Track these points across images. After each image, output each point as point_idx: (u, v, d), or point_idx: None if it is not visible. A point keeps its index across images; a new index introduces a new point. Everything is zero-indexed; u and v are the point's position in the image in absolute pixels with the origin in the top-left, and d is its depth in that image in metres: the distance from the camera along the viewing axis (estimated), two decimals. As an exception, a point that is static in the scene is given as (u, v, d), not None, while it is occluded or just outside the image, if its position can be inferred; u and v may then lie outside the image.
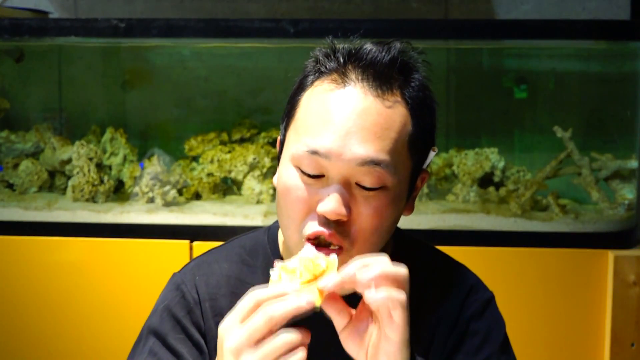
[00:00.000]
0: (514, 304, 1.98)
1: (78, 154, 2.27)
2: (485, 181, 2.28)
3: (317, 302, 0.85)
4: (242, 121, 2.44)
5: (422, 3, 2.50)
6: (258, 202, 2.24)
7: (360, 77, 0.97)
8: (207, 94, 2.57)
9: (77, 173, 2.27)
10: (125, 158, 2.40)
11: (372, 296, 0.84)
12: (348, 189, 0.95)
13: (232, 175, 2.32)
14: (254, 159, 2.28)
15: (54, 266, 2.10)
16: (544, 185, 2.17)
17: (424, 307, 1.07)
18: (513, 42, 2.25)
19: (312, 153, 0.95)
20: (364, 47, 0.99)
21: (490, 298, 1.10)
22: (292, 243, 1.00)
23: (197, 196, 2.32)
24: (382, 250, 1.08)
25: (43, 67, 2.62)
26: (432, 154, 1.04)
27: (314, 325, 0.87)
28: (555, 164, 2.17)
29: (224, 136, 2.41)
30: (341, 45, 1.01)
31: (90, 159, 2.26)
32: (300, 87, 1.02)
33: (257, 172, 2.28)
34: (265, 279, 1.09)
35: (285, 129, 1.03)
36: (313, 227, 0.96)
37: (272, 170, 2.25)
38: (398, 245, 1.11)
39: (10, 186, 2.39)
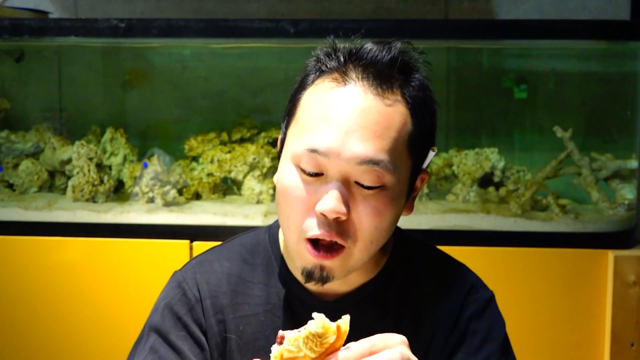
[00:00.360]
0: (514, 304, 1.98)
1: (78, 154, 2.27)
2: (485, 181, 2.28)
3: None
4: (242, 121, 2.44)
5: (422, 3, 2.50)
6: (258, 202, 2.24)
7: (360, 76, 0.97)
8: (207, 94, 2.57)
9: (77, 173, 2.27)
10: (125, 158, 2.40)
11: None
12: (347, 187, 0.95)
13: (232, 175, 2.32)
14: (254, 159, 2.28)
15: (54, 266, 2.10)
16: (544, 185, 2.17)
17: (423, 306, 1.08)
18: (513, 42, 2.25)
19: (312, 151, 0.95)
20: (365, 46, 1.00)
21: (491, 297, 1.10)
22: (291, 242, 1.00)
23: (197, 196, 2.32)
24: (383, 249, 1.08)
25: (43, 67, 2.62)
26: (431, 154, 1.04)
27: None
28: (555, 164, 2.17)
29: (224, 136, 2.41)
30: (342, 45, 1.01)
31: (90, 159, 2.26)
32: (301, 86, 1.02)
33: (257, 172, 2.28)
34: (265, 277, 1.10)
35: (286, 128, 1.03)
36: (312, 229, 0.96)
37: (272, 170, 2.25)
38: (398, 244, 1.12)
39: (10, 186, 2.39)
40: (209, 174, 2.33)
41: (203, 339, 1.06)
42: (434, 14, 2.50)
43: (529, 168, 2.28)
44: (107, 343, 2.09)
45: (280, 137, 1.06)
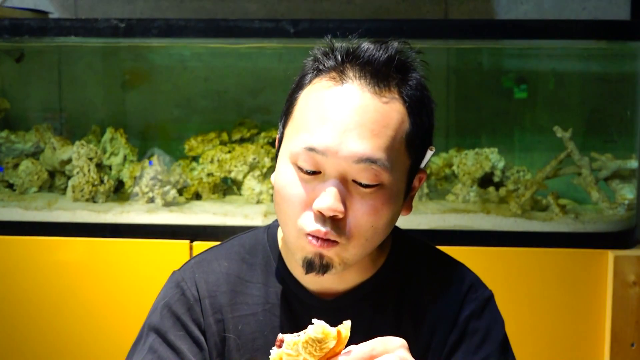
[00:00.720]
0: (514, 304, 1.98)
1: (78, 154, 2.27)
2: (485, 181, 2.28)
3: None
4: (242, 121, 2.44)
5: (422, 3, 2.50)
6: (258, 202, 2.25)
7: (357, 75, 0.97)
8: (207, 94, 2.57)
9: (77, 173, 2.27)
10: (125, 158, 2.40)
11: None
12: (345, 185, 0.95)
13: (232, 175, 2.32)
14: (254, 159, 2.28)
15: (54, 266, 2.10)
16: (544, 185, 2.17)
17: (422, 306, 1.08)
18: (513, 42, 2.25)
19: (309, 150, 0.95)
20: (362, 45, 1.00)
21: (490, 296, 1.10)
22: (290, 239, 1.00)
23: (197, 196, 2.32)
24: (381, 248, 1.09)
25: (43, 67, 2.62)
26: (429, 153, 1.04)
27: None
28: (555, 164, 2.17)
29: (224, 136, 2.41)
30: (339, 44, 1.01)
31: (90, 159, 2.26)
32: (299, 86, 1.02)
33: (257, 172, 2.28)
34: (263, 276, 1.10)
35: (284, 127, 1.03)
36: (309, 224, 0.96)
37: (272, 170, 2.24)
38: (396, 243, 1.12)
39: (10, 186, 2.39)
40: (209, 174, 2.33)
41: (202, 338, 1.06)
42: (434, 14, 2.50)
43: (529, 168, 2.28)
44: (107, 343, 2.09)
45: (277, 136, 1.07)
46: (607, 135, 2.33)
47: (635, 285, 1.96)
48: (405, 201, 1.04)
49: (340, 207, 0.94)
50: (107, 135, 2.41)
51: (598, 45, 2.23)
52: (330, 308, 1.05)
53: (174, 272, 1.13)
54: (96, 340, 2.10)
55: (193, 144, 2.40)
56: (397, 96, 0.98)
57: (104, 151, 2.39)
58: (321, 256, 0.97)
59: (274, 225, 1.14)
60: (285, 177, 0.98)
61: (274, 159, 1.08)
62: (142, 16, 2.57)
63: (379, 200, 0.96)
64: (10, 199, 2.28)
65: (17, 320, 2.13)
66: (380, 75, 0.97)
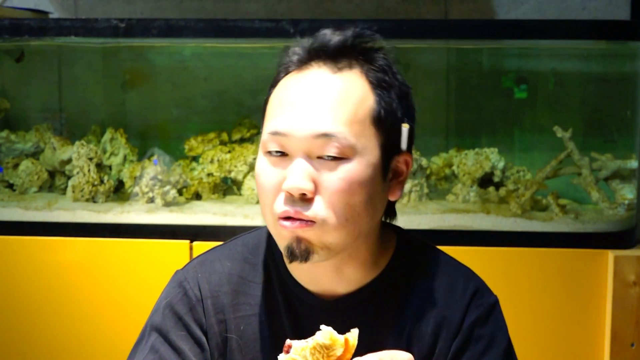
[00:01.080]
0: (513, 304, 1.98)
1: (78, 154, 2.27)
2: (485, 181, 2.28)
3: None
4: (242, 121, 2.44)
5: (422, 3, 2.50)
6: (258, 202, 2.24)
7: (317, 60, 1.00)
8: (207, 94, 2.57)
9: (77, 173, 2.27)
10: (125, 158, 2.40)
11: None
12: (310, 163, 0.96)
13: (232, 175, 2.32)
14: (254, 159, 2.28)
15: (54, 266, 2.10)
16: (544, 185, 2.17)
17: (426, 311, 1.07)
18: (513, 42, 2.25)
19: (274, 134, 0.97)
20: (321, 32, 1.03)
21: (495, 302, 1.09)
22: (270, 229, 1.01)
23: (197, 196, 2.32)
24: (384, 250, 1.08)
25: (43, 67, 2.62)
26: (404, 130, 1.03)
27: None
28: (555, 164, 2.17)
29: (224, 136, 2.41)
30: (305, 40, 1.04)
31: (90, 159, 2.26)
32: (272, 86, 1.05)
33: (257, 172, 2.28)
34: (266, 277, 1.10)
35: (262, 128, 1.05)
36: (280, 206, 0.97)
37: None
38: (400, 245, 1.10)
39: (10, 186, 2.39)
40: (209, 174, 2.33)
41: (203, 339, 1.06)
42: (434, 14, 2.50)
43: (529, 168, 2.28)
44: (107, 343, 2.09)
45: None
46: (607, 135, 2.33)
47: (635, 285, 1.96)
48: (389, 184, 1.03)
49: (307, 185, 0.95)
50: (107, 135, 2.41)
51: (598, 45, 2.23)
52: (332, 309, 1.04)
53: (177, 271, 1.13)
54: (96, 340, 2.10)
55: (193, 144, 2.40)
56: (359, 75, 1.00)
57: (104, 151, 2.39)
58: (299, 240, 0.97)
59: None
60: (258, 166, 1.01)
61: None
62: (142, 16, 2.57)
63: (348, 174, 0.96)
64: (10, 199, 2.28)
65: (17, 320, 2.13)
66: (338, 54, 1.00)
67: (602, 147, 2.24)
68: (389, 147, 1.01)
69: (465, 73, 2.52)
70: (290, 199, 0.96)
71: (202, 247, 2.03)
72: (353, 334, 0.85)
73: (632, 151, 2.20)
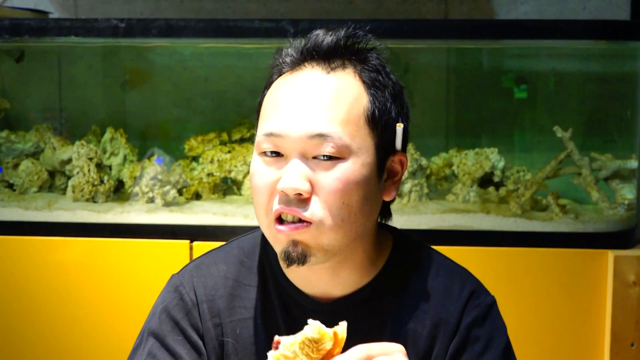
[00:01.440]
0: (513, 304, 1.98)
1: (78, 154, 2.27)
2: (485, 181, 2.28)
3: None
4: (242, 121, 2.44)
5: (422, 3, 2.50)
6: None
7: (309, 60, 1.01)
8: (207, 94, 2.57)
9: (77, 173, 2.27)
10: (125, 158, 2.40)
11: None
12: (307, 164, 0.96)
13: (232, 175, 2.32)
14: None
15: (54, 266, 2.10)
16: (544, 185, 2.17)
17: (423, 313, 1.06)
18: (513, 42, 2.25)
19: (268, 135, 0.97)
20: (313, 33, 1.03)
21: (492, 303, 1.08)
22: (265, 229, 1.01)
23: (197, 196, 2.32)
24: (380, 251, 1.08)
25: (43, 67, 2.62)
26: (399, 130, 1.03)
27: None
28: (555, 164, 2.17)
29: (224, 136, 2.41)
30: (297, 41, 1.04)
31: (90, 159, 2.26)
32: (265, 87, 1.05)
33: (257, 172, 2.27)
34: (262, 280, 1.09)
35: (256, 130, 1.05)
36: (276, 207, 0.97)
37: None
38: (397, 246, 1.10)
39: (10, 186, 2.39)
40: (209, 174, 2.33)
41: (200, 343, 1.06)
42: (434, 14, 2.50)
43: (529, 168, 2.28)
44: (107, 343, 2.09)
45: (254, 146, 1.08)
46: (607, 135, 2.33)
47: (635, 285, 1.96)
48: (384, 184, 1.03)
49: (303, 185, 0.95)
50: (107, 135, 2.41)
51: (598, 45, 2.23)
52: (329, 312, 1.04)
53: (173, 275, 1.13)
54: (96, 340, 2.10)
55: (193, 144, 2.40)
56: (353, 75, 1.00)
57: (104, 151, 2.39)
58: (295, 243, 0.97)
59: None
60: (253, 167, 1.01)
61: None
62: (142, 16, 2.57)
63: (344, 174, 0.96)
64: (10, 199, 2.28)
65: (17, 320, 2.13)
66: (331, 55, 1.00)
67: (602, 147, 2.24)
68: (383, 147, 1.01)
69: (465, 73, 2.52)
70: (286, 198, 0.96)
71: (202, 247, 2.04)
72: (342, 327, 0.85)
73: (632, 151, 2.20)
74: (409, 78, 2.40)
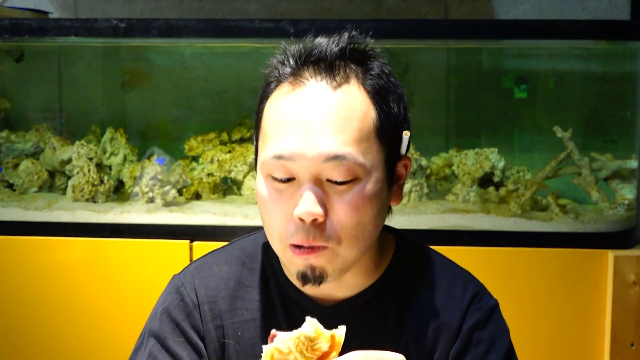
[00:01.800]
0: (513, 304, 1.98)
1: (78, 154, 2.27)
2: (485, 181, 2.28)
3: None
4: (242, 121, 2.44)
5: (422, 3, 2.50)
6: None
7: (313, 74, 0.97)
8: (207, 94, 2.57)
9: (77, 173, 2.27)
10: (125, 158, 2.40)
11: None
12: (320, 187, 0.94)
13: (232, 175, 2.32)
14: (255, 154, 2.28)
15: (54, 266, 2.10)
16: (544, 185, 2.17)
17: (425, 315, 1.06)
18: (513, 42, 2.25)
19: (278, 158, 0.94)
20: (314, 43, 0.99)
21: (494, 306, 1.08)
22: (278, 251, 1.00)
23: (197, 196, 2.32)
24: (383, 254, 1.07)
25: (43, 67, 2.62)
26: (405, 138, 1.02)
27: None
28: (555, 164, 2.17)
29: (224, 136, 2.41)
30: (294, 48, 1.00)
31: (90, 159, 2.26)
32: (263, 96, 1.01)
33: (257, 172, 2.28)
34: (263, 281, 1.09)
35: (256, 140, 1.03)
36: (292, 235, 0.95)
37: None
38: (399, 249, 1.10)
39: (10, 186, 2.39)
40: (209, 174, 2.33)
41: (201, 344, 1.06)
42: (434, 14, 2.50)
43: (529, 168, 2.28)
44: (107, 343, 2.09)
45: (254, 149, 1.06)
46: (607, 135, 2.33)
47: (635, 285, 1.96)
48: (391, 190, 1.02)
49: (319, 210, 0.93)
50: (107, 135, 2.41)
51: (598, 45, 2.23)
52: (331, 314, 1.03)
53: (174, 276, 1.13)
54: (96, 340, 2.10)
55: (193, 144, 2.40)
56: (357, 87, 0.97)
57: (104, 151, 2.39)
58: (312, 268, 0.96)
59: None
60: (262, 189, 0.98)
61: (254, 169, 1.07)
62: (142, 16, 2.57)
63: (358, 195, 0.95)
64: (10, 199, 2.28)
65: (17, 320, 2.13)
66: (335, 69, 0.97)
67: (602, 147, 2.24)
68: (391, 156, 1.00)
69: (465, 73, 2.52)
70: (302, 225, 0.94)
71: (202, 247, 2.04)
72: (340, 331, 0.84)
73: (632, 151, 2.20)
74: (409, 78, 2.40)
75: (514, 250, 2.02)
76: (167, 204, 2.21)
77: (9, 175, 2.39)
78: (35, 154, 2.42)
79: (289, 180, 0.95)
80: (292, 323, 1.05)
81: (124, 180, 2.35)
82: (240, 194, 2.34)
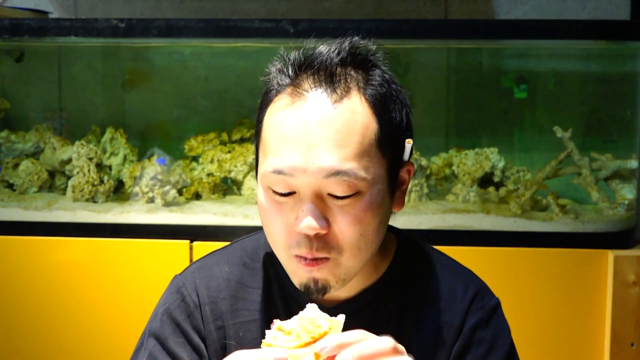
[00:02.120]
0: (514, 304, 1.97)
1: (78, 154, 2.27)
2: (485, 181, 2.28)
3: None
4: (242, 121, 2.44)
5: (422, 3, 2.50)
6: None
7: (313, 85, 0.94)
8: (207, 94, 2.57)
9: (77, 173, 2.27)
10: (125, 158, 2.40)
11: None
12: (322, 201, 0.93)
13: (232, 175, 2.32)
14: (254, 159, 2.28)
15: (54, 266, 2.10)
16: (544, 185, 2.17)
17: (427, 314, 1.06)
18: (513, 42, 2.25)
19: (278, 173, 0.93)
20: (315, 52, 0.97)
21: (496, 305, 1.08)
22: (282, 260, 0.99)
23: (197, 196, 2.32)
24: (383, 254, 1.07)
25: (43, 67, 2.62)
26: (408, 145, 1.00)
27: None
28: (555, 164, 2.17)
29: (224, 136, 2.41)
30: (293, 56, 0.98)
31: (90, 159, 2.26)
32: (263, 105, 0.99)
33: (257, 172, 2.28)
34: (265, 282, 1.09)
35: (257, 148, 1.01)
36: (295, 247, 0.94)
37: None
38: (400, 249, 1.10)
39: (10, 186, 2.39)
40: (209, 174, 2.33)
41: (202, 345, 1.06)
42: (434, 14, 2.50)
43: (529, 168, 2.28)
44: (107, 343, 2.09)
45: (254, 149, 1.05)
46: (607, 135, 2.33)
47: (635, 285, 1.96)
48: (394, 197, 1.01)
49: (321, 224, 0.92)
50: (107, 135, 2.41)
51: (598, 45, 2.23)
52: (333, 315, 1.03)
53: (176, 276, 1.12)
54: (96, 340, 2.10)
55: (193, 144, 2.40)
56: (359, 99, 0.94)
57: (104, 151, 2.39)
58: (315, 280, 0.96)
59: None
60: (263, 201, 0.97)
61: (255, 171, 1.06)
62: (142, 16, 2.57)
63: (360, 209, 0.94)
64: (10, 199, 2.28)
65: (17, 320, 2.13)
66: (336, 79, 0.94)
67: (602, 147, 2.24)
68: (394, 165, 0.99)
69: (465, 73, 2.52)
70: (305, 238, 0.93)
71: (202, 247, 2.03)
72: (338, 319, 0.85)
73: (632, 151, 2.20)
74: (409, 78, 2.40)
75: (514, 250, 2.02)
76: (167, 204, 2.21)
77: (9, 175, 2.39)
78: (35, 154, 2.42)
79: (290, 194, 0.94)
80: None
81: (124, 180, 2.35)
82: (240, 194, 2.34)
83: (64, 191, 2.35)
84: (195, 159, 2.43)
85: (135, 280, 2.07)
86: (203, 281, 1.09)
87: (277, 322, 0.86)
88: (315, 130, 0.92)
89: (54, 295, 2.11)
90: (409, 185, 2.22)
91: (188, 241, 2.06)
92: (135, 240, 2.09)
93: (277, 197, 0.95)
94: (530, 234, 2.07)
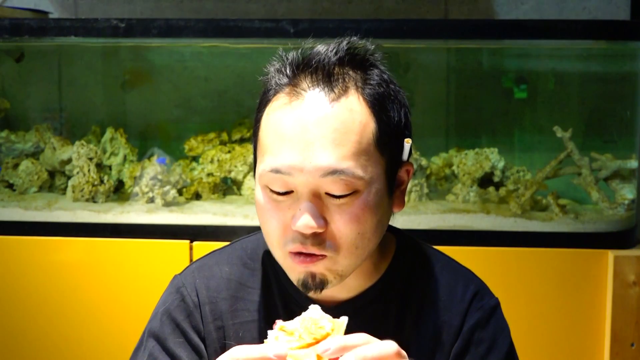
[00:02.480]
0: (513, 304, 1.98)
1: (78, 154, 2.27)
2: (485, 181, 2.28)
3: None
4: (242, 121, 2.44)
5: (422, 3, 2.50)
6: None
7: (311, 85, 0.94)
8: (207, 94, 2.57)
9: (77, 173, 2.27)
10: (125, 158, 2.40)
11: None
12: (319, 199, 0.93)
13: (232, 175, 2.32)
14: (253, 158, 2.28)
15: (54, 266, 2.10)
16: (544, 185, 2.17)
17: (426, 314, 1.06)
18: (513, 42, 2.25)
19: (275, 172, 0.93)
20: (312, 52, 0.97)
21: (496, 305, 1.08)
22: (278, 258, 0.99)
23: (197, 196, 2.32)
24: (384, 254, 1.07)
25: (43, 67, 2.62)
26: (407, 145, 1.00)
27: None
28: (555, 164, 2.17)
29: (224, 136, 2.41)
30: (291, 56, 0.98)
31: (90, 159, 2.26)
32: (261, 105, 1.00)
33: (257, 172, 2.28)
34: (264, 282, 1.09)
35: (255, 148, 1.02)
36: (291, 244, 0.95)
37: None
38: (400, 249, 1.10)
39: (10, 186, 2.39)
40: (209, 174, 2.33)
41: (201, 345, 1.06)
42: (434, 14, 2.50)
43: (529, 168, 2.28)
44: (107, 343, 2.09)
45: (252, 155, 1.05)
46: (607, 135, 2.33)
47: (635, 285, 1.96)
48: (393, 197, 1.01)
49: (319, 223, 0.92)
50: (107, 135, 2.41)
51: (598, 45, 2.23)
52: (333, 316, 1.03)
53: (175, 276, 1.12)
54: (96, 340, 2.10)
55: (193, 144, 2.40)
56: (357, 98, 0.95)
57: (104, 151, 2.39)
58: (313, 275, 0.96)
59: None
60: (260, 200, 0.97)
61: (253, 172, 1.06)
62: (142, 16, 2.57)
63: (357, 207, 0.94)
64: (10, 199, 2.28)
65: (17, 320, 2.13)
66: (334, 79, 0.94)
67: (602, 147, 2.24)
68: (392, 165, 0.99)
69: (465, 73, 2.52)
70: (301, 236, 0.94)
71: (202, 247, 2.04)
72: (342, 318, 0.85)
73: (632, 151, 2.20)
74: (409, 78, 2.40)
75: (514, 250, 2.02)
76: (167, 204, 2.21)
77: (9, 175, 2.39)
78: (35, 154, 2.42)
79: (287, 193, 0.94)
80: None
81: (124, 180, 2.35)
82: (240, 194, 2.34)
83: (64, 191, 2.35)
84: (195, 159, 2.43)
85: (135, 280, 2.07)
86: (203, 281, 1.09)
87: (279, 322, 0.87)
88: (313, 129, 0.92)
89: (54, 296, 2.11)
90: (409, 185, 2.23)
91: (188, 241, 2.06)
92: (135, 240, 2.09)
93: (275, 196, 0.95)
94: (530, 234, 2.07)
